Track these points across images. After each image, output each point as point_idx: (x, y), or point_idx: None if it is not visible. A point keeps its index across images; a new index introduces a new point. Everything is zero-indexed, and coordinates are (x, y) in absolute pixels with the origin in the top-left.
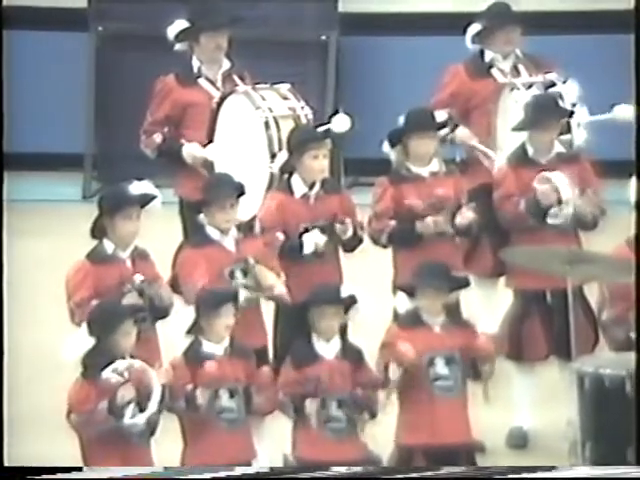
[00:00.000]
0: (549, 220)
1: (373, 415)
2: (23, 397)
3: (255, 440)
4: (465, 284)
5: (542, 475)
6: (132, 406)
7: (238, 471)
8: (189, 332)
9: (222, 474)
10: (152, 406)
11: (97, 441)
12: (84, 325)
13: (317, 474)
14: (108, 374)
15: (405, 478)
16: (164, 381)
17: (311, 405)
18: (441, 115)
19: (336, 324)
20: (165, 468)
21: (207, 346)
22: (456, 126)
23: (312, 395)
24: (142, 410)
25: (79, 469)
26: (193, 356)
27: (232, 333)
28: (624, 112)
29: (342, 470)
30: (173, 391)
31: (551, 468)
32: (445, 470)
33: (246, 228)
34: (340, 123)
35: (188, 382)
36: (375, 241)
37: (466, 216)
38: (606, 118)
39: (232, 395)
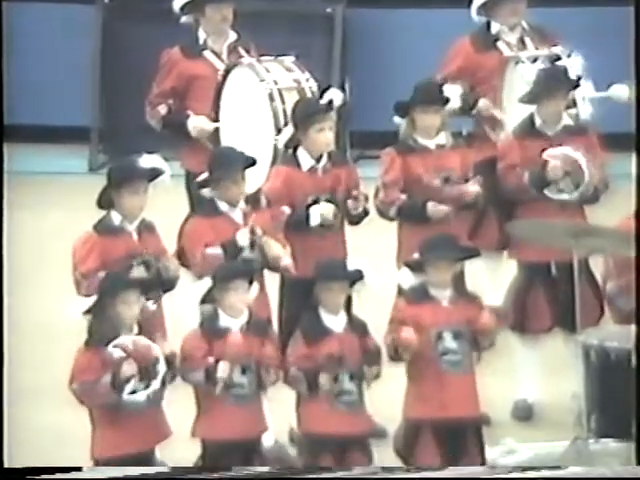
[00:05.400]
0: (554, 195)
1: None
2: (25, 370)
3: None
4: (475, 253)
5: (548, 474)
6: (133, 382)
7: (241, 471)
8: (203, 301)
9: (225, 474)
10: (155, 384)
11: (104, 409)
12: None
13: (324, 475)
14: (111, 349)
15: (412, 478)
16: (169, 352)
17: (325, 380)
18: (453, 89)
19: (342, 298)
20: (172, 468)
21: (224, 319)
22: (476, 101)
23: (325, 369)
24: (145, 387)
25: (78, 469)
26: (210, 328)
27: (250, 308)
28: (621, 91)
29: (348, 472)
30: (190, 361)
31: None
32: (456, 470)
33: (253, 200)
34: (333, 97)
35: (206, 354)
36: (382, 213)
37: (472, 190)
38: (604, 95)
39: (244, 371)
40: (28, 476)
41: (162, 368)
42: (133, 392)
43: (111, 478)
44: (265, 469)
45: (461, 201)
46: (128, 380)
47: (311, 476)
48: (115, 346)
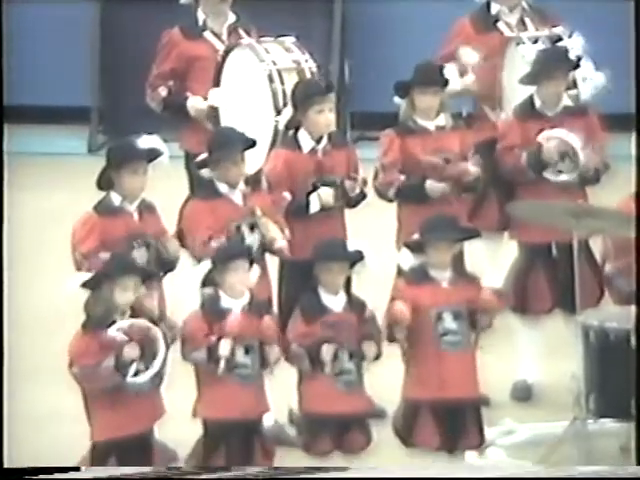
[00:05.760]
0: (553, 177)
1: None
2: (25, 352)
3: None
4: (475, 234)
5: (547, 475)
6: (135, 365)
7: (237, 471)
8: (204, 283)
9: (222, 475)
10: (156, 364)
11: (101, 392)
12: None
13: (323, 475)
14: (113, 332)
15: (414, 478)
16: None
17: (328, 351)
18: (449, 69)
19: (342, 279)
20: (168, 468)
21: (226, 301)
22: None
23: (327, 341)
24: (146, 368)
25: (77, 469)
26: (211, 310)
27: (251, 289)
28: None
29: (345, 473)
30: (191, 341)
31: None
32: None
33: (253, 182)
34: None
35: (208, 334)
36: (381, 194)
37: (471, 171)
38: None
39: (247, 351)
40: (26, 476)
41: (162, 349)
42: (135, 374)
43: (110, 478)
44: (265, 469)
45: (460, 179)
46: (131, 363)
47: (311, 476)
48: (116, 330)
